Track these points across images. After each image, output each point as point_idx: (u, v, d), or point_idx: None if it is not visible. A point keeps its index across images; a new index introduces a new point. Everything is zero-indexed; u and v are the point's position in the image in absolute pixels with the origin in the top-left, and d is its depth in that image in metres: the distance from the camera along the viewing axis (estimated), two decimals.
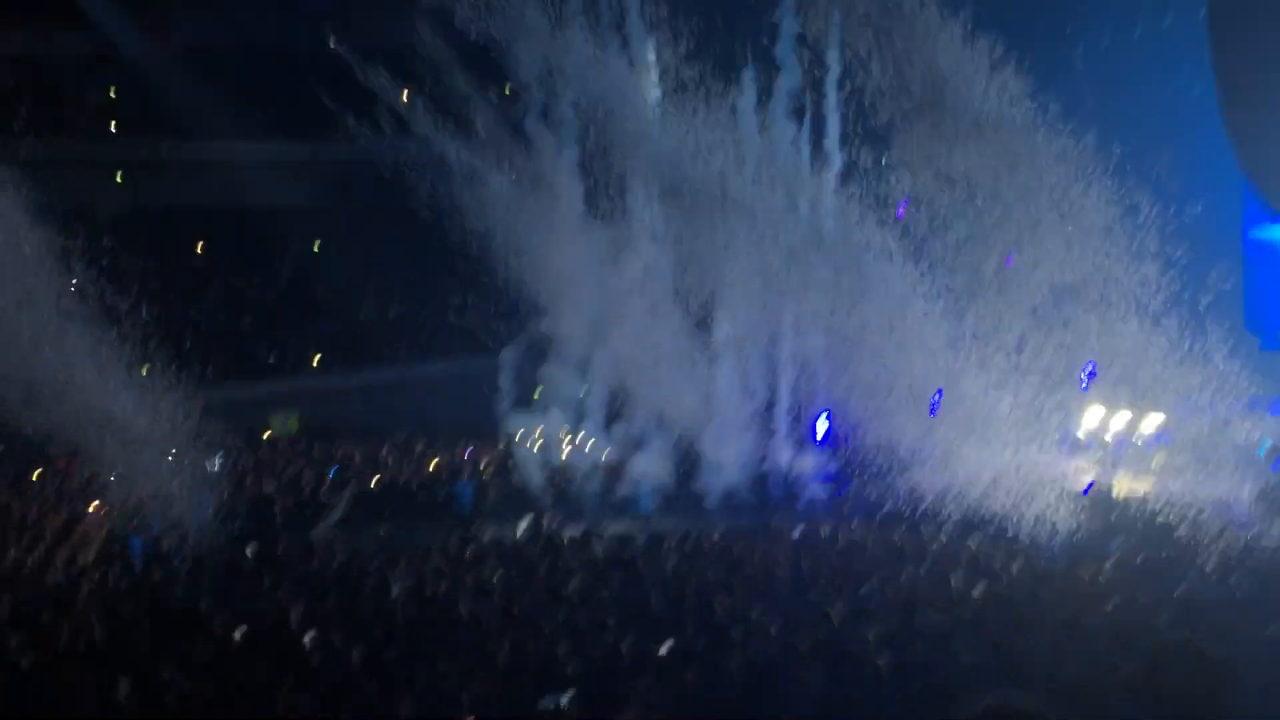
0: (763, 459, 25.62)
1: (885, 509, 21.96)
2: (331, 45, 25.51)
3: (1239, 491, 20.70)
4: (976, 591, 14.43)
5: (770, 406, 26.42)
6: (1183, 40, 26.73)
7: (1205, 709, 6.70)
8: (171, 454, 23.80)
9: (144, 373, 26.20)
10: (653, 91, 24.92)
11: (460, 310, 28.44)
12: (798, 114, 26.13)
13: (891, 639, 11.56)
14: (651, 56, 24.92)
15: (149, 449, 23.57)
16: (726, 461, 24.97)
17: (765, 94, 25.56)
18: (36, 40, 29.01)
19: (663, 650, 11.20)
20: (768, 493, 25.13)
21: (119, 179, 30.58)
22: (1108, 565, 16.59)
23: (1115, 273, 22.02)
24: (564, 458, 25.84)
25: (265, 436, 29.41)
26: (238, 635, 12.24)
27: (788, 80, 25.78)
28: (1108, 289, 22.14)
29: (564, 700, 9.83)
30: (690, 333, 25.39)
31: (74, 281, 24.78)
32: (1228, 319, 27.80)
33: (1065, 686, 9.66)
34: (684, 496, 24.65)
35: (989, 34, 22.45)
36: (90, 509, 21.14)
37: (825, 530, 20.26)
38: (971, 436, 21.64)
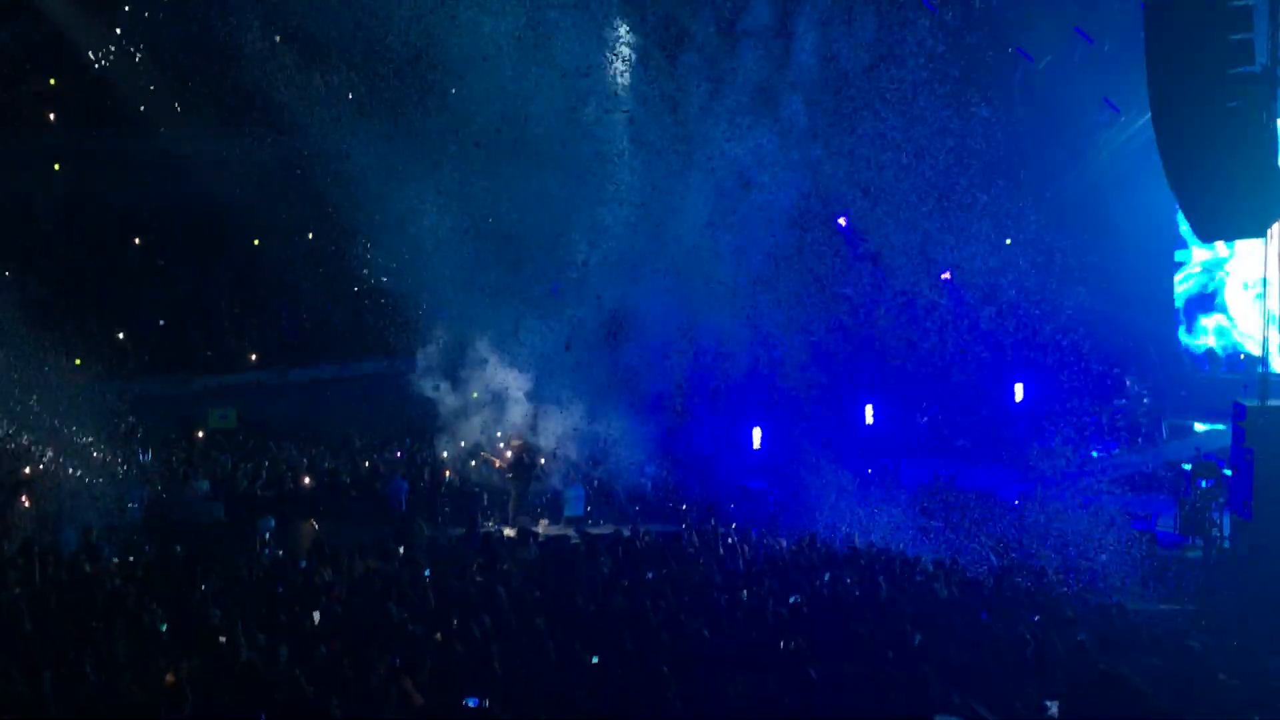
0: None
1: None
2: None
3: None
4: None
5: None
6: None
7: None
8: (101, 447, 23.60)
9: (76, 364, 26.03)
10: None
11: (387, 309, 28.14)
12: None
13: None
14: None
15: (80, 441, 23.37)
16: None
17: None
18: None
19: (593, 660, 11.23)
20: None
21: (55, 169, 30.06)
22: None
23: None
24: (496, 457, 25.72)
25: (200, 433, 29.12)
26: (163, 629, 12.15)
27: None
28: None
29: (484, 704, 9.81)
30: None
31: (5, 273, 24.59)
32: None
33: None
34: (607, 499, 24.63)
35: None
36: (20, 500, 20.80)
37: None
38: None
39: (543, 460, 24.87)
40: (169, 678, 10.44)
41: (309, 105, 25.16)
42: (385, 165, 25.07)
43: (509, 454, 24.04)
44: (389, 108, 24.89)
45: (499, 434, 25.40)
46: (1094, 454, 27.25)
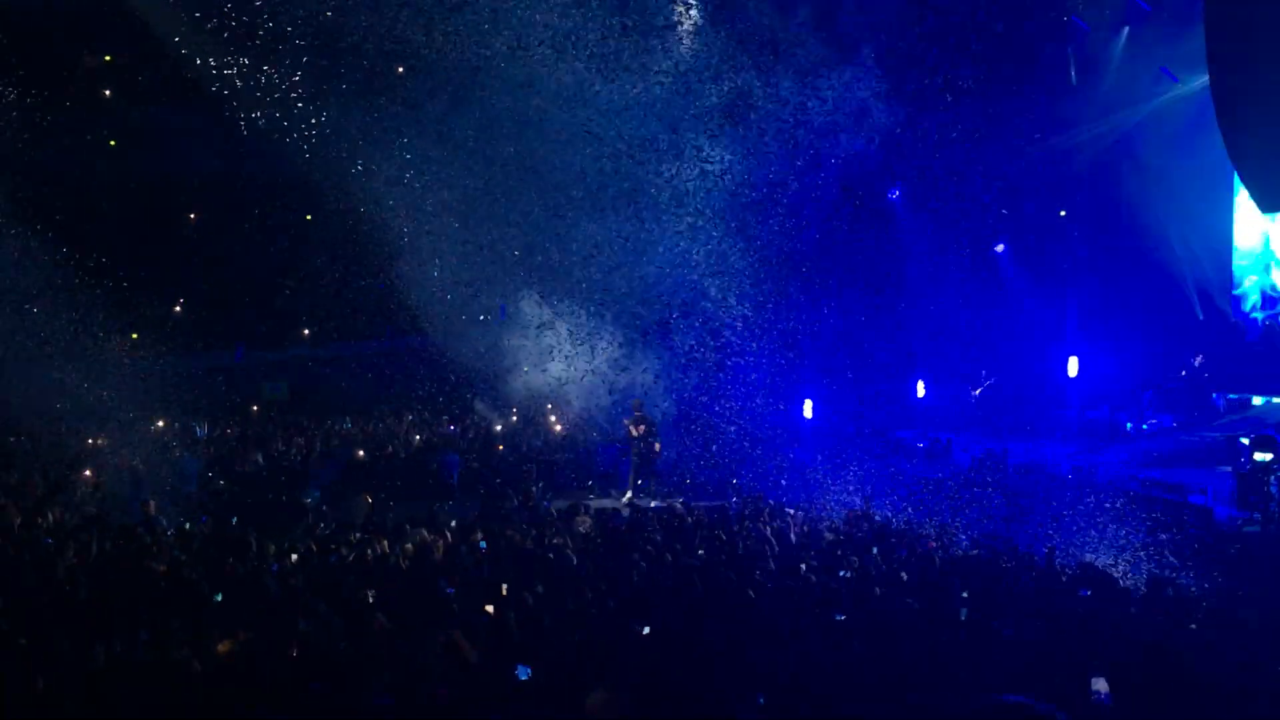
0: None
1: None
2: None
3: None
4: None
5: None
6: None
7: None
8: (157, 421, 23.91)
9: (133, 339, 26.38)
10: None
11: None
12: None
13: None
14: None
15: (137, 415, 23.70)
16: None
17: None
18: None
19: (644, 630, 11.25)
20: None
21: (111, 144, 30.32)
22: None
23: None
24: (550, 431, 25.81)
25: (255, 407, 29.44)
26: (218, 599, 12.30)
27: None
28: None
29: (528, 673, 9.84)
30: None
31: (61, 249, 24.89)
32: None
33: None
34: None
35: None
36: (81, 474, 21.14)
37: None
38: None
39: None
40: (223, 647, 10.59)
41: (358, 82, 25.25)
42: (441, 138, 25.17)
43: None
44: (440, 87, 24.94)
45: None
46: (1146, 427, 27.05)
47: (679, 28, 24.82)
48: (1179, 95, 26.89)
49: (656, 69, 24.20)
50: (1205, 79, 17.51)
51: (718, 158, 24.51)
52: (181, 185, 31.21)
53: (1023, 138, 27.17)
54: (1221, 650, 10.85)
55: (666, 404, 25.60)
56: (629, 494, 23.42)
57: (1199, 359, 28.55)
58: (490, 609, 11.78)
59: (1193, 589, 15.04)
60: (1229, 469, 22.43)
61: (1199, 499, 20.69)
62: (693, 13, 24.83)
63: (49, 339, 24.73)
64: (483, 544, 15.72)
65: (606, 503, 22.36)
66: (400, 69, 24.84)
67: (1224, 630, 11.91)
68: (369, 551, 15.03)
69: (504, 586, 12.60)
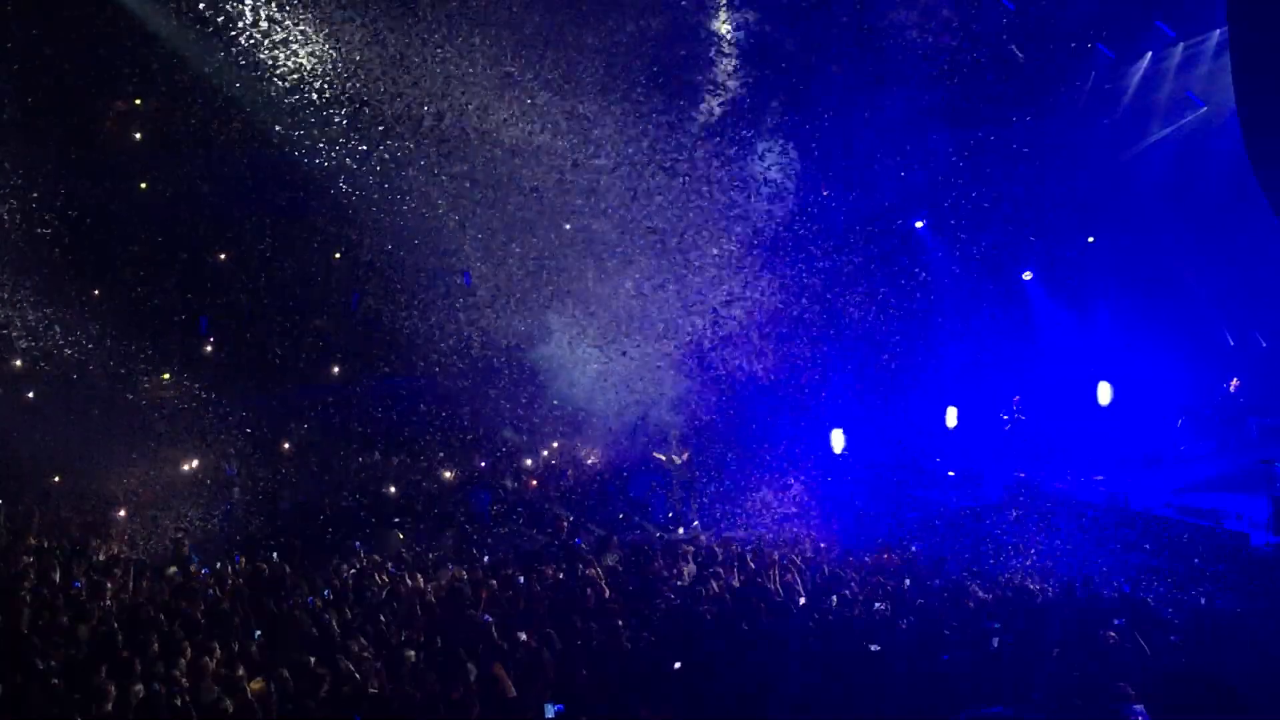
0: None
1: None
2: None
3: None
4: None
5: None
6: None
7: None
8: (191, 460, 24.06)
9: (165, 379, 26.57)
10: None
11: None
12: None
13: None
14: None
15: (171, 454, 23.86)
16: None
17: None
18: None
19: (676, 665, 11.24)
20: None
21: (142, 187, 30.54)
22: None
23: None
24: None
25: (285, 444, 29.52)
26: (256, 636, 12.35)
27: None
28: None
29: (559, 711, 9.85)
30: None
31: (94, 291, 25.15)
32: None
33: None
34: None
35: None
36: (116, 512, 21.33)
37: None
38: None
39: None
40: (255, 685, 10.63)
41: (388, 122, 25.41)
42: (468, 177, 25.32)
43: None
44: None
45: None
46: (1180, 452, 26.83)
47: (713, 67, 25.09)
48: (1205, 118, 26.82)
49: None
50: (1230, 103, 17.44)
51: (744, 187, 24.66)
52: (212, 226, 31.40)
53: (1049, 164, 27.11)
54: (1261, 676, 10.76)
55: (690, 430, 25.63)
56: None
57: (1234, 383, 28.32)
58: (526, 640, 11.81)
59: (1230, 614, 14.91)
60: (1265, 494, 22.23)
61: (1234, 524, 20.52)
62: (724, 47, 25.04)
63: (81, 379, 24.97)
64: (520, 579, 15.75)
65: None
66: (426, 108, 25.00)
67: (1263, 656, 11.81)
68: (402, 587, 15.07)
69: (536, 622, 12.62)
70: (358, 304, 26.82)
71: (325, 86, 24.40)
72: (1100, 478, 24.47)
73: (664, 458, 24.46)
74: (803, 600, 14.63)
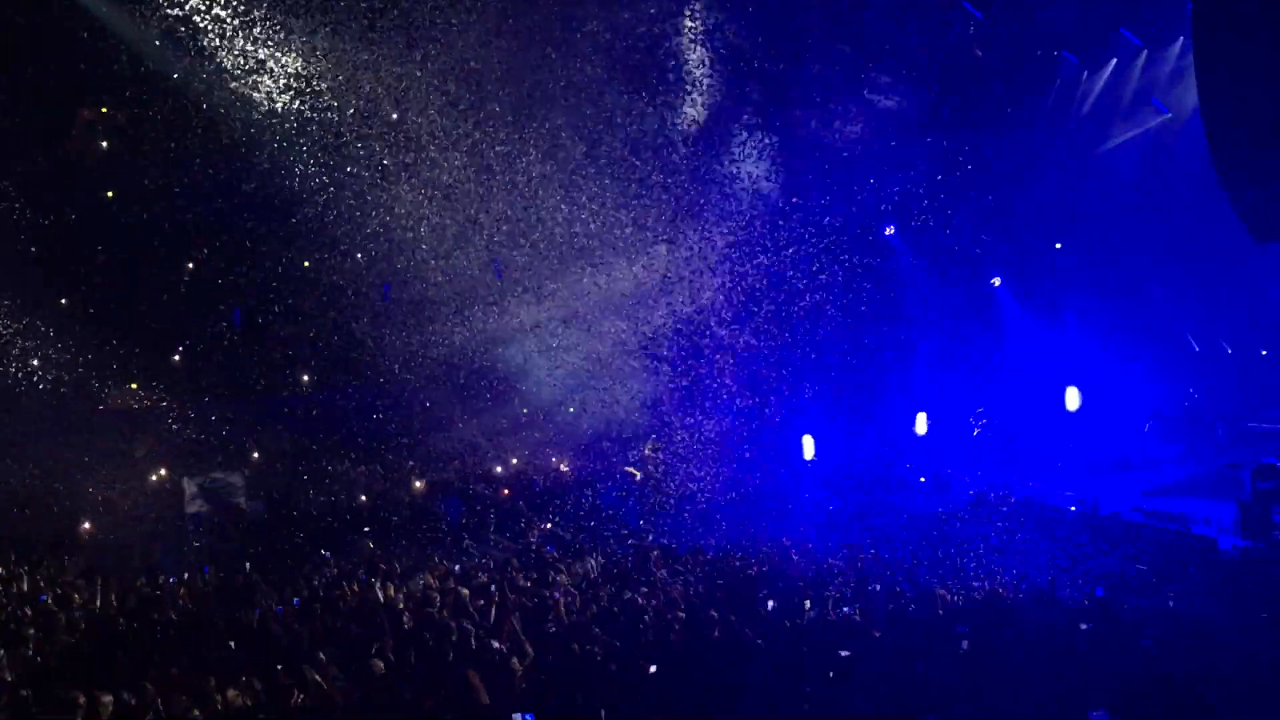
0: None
1: None
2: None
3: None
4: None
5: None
6: None
7: None
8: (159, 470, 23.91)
9: (132, 389, 26.40)
10: None
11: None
12: None
13: None
14: None
15: (137, 464, 23.70)
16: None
17: None
18: None
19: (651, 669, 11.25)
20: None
21: (108, 195, 30.32)
22: None
23: None
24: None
25: (255, 454, 29.36)
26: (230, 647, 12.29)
27: None
28: None
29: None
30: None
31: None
32: None
33: None
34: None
35: None
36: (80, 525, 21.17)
37: None
38: None
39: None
40: (231, 694, 10.58)
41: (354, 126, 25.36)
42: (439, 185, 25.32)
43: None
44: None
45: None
46: (1147, 458, 27.04)
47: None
48: (1169, 126, 27.02)
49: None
50: (1195, 109, 17.59)
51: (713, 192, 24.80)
52: (178, 234, 31.20)
53: (1017, 172, 27.29)
54: (1228, 680, 10.84)
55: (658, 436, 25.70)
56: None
57: (1194, 392, 28.60)
58: (497, 648, 11.78)
59: (1198, 618, 15.00)
60: (1231, 498, 22.39)
61: (1202, 529, 20.67)
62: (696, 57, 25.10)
63: (47, 389, 24.79)
64: (492, 587, 15.71)
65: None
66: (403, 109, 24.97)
67: (1230, 660, 11.89)
68: (373, 596, 15.01)
69: (508, 629, 12.59)
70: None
71: (296, 96, 24.36)
72: (1069, 494, 24.59)
73: (635, 472, 24.50)
74: (773, 605, 14.65)
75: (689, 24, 24.90)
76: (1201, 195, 24.01)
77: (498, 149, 24.88)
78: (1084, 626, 13.27)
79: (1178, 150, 26.46)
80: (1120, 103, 27.65)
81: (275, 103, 24.82)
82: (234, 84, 24.53)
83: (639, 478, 24.26)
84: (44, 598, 15.25)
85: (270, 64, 24.18)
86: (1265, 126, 15.34)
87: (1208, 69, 15.77)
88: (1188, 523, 21.06)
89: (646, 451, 24.39)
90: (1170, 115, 26.65)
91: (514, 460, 29.14)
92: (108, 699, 10.33)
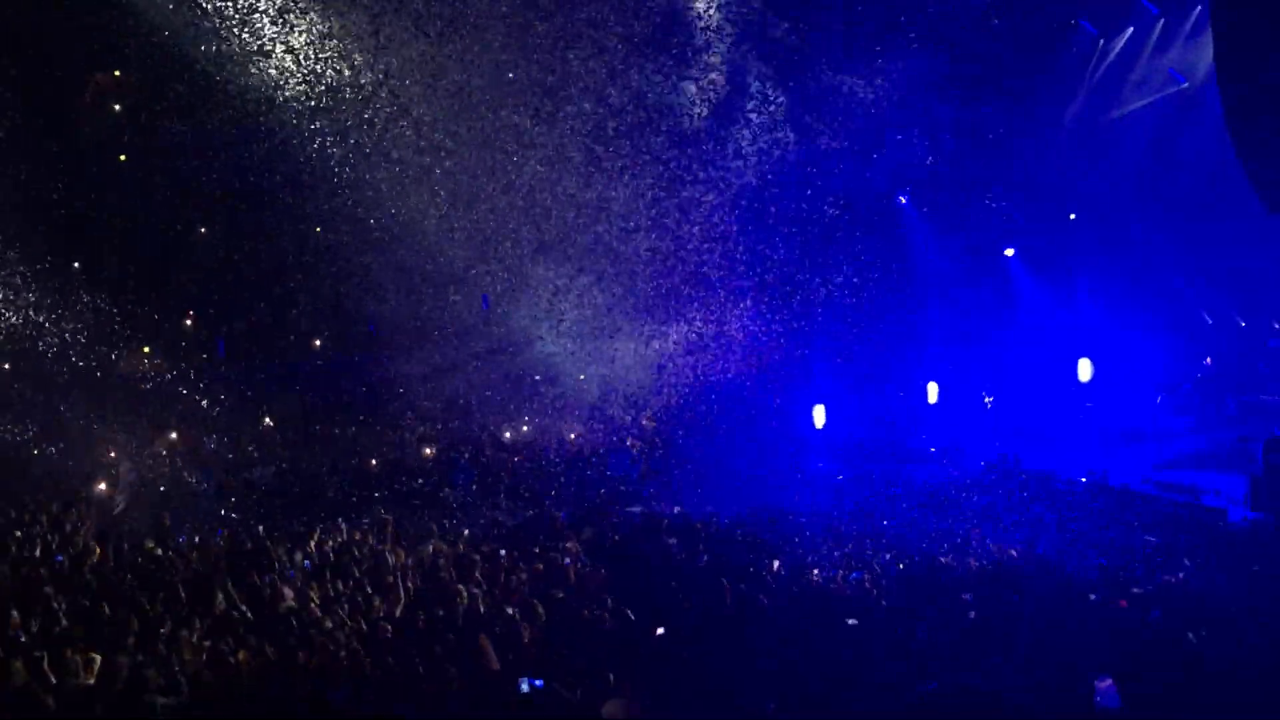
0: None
1: None
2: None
3: None
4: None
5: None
6: None
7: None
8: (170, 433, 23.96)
9: (144, 353, 26.44)
10: None
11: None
12: None
13: None
14: None
15: (149, 428, 23.75)
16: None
17: None
18: None
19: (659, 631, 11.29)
20: None
21: (121, 159, 30.27)
22: None
23: None
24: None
25: (266, 419, 29.44)
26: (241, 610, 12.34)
27: None
28: None
29: (536, 686, 9.85)
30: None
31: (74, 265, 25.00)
32: None
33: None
34: None
35: None
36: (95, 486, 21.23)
37: None
38: None
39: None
40: (243, 656, 10.64)
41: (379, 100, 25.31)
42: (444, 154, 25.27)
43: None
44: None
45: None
46: (1158, 429, 26.97)
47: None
48: (1186, 95, 26.82)
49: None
50: (1213, 80, 17.46)
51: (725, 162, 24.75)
52: (192, 200, 31.18)
53: (1031, 141, 27.15)
54: (1236, 652, 10.85)
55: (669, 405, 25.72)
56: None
57: (1208, 360, 28.48)
58: (509, 614, 11.83)
59: (1207, 590, 14.99)
60: (1243, 471, 22.33)
61: (1213, 500, 20.65)
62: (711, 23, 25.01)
63: (60, 355, 24.85)
64: (501, 553, 15.77)
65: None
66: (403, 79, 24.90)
67: (1238, 632, 11.88)
68: (383, 560, 15.06)
69: (518, 596, 12.65)
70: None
71: (309, 74, 24.35)
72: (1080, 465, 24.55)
73: (640, 444, 24.55)
74: (782, 571, 14.69)
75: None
76: (1216, 165, 23.91)
77: (514, 117, 24.83)
78: (1092, 597, 13.28)
79: (1191, 123, 26.30)
80: (1135, 71, 27.46)
81: (295, 73, 24.77)
82: (253, 53, 24.49)
83: (638, 449, 24.28)
84: (59, 558, 15.31)
85: (294, 26, 24.15)
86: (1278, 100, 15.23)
87: (1225, 37, 15.63)
88: (1198, 495, 21.04)
89: (644, 422, 24.40)
90: (1186, 84, 26.45)
91: (525, 428, 29.18)
92: (121, 660, 10.39)
